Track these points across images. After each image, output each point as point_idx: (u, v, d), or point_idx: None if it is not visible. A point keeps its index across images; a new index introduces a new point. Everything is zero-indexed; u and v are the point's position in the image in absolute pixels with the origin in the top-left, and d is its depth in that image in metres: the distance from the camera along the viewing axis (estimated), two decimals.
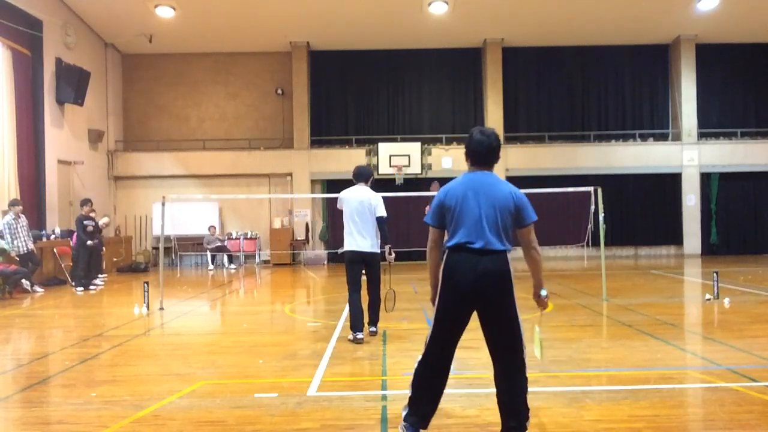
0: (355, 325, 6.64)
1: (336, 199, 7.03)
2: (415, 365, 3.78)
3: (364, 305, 6.82)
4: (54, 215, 15.47)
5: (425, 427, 3.75)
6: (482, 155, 3.79)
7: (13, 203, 12.34)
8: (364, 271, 6.86)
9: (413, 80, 19.83)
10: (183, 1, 16.41)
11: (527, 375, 3.66)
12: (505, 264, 3.63)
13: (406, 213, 16.89)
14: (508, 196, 3.67)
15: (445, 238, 3.78)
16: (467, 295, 3.60)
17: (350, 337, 6.68)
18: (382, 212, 6.77)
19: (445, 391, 4.15)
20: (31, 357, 6.48)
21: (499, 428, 3.87)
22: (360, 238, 6.69)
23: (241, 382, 5.23)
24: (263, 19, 17.49)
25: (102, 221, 14.11)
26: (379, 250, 6.81)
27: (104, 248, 13.87)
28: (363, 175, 6.93)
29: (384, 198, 6.95)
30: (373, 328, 6.93)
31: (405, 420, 3.74)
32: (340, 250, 6.92)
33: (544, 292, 3.80)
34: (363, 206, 6.71)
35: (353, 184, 6.94)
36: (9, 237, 11.95)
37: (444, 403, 4.16)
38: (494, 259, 3.60)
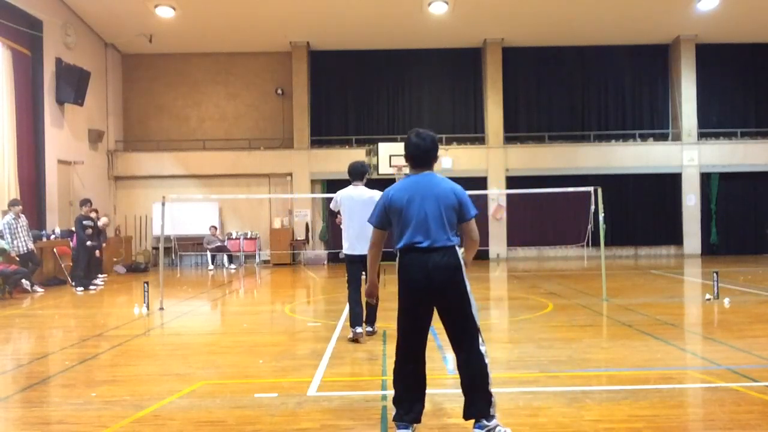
0: (355, 321, 6.66)
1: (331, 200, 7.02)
2: (394, 365, 3.89)
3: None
4: (54, 215, 15.46)
5: (417, 421, 3.80)
6: (420, 158, 3.97)
7: (13, 203, 12.33)
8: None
9: (413, 80, 19.83)
10: (183, 1, 16.40)
11: (487, 362, 3.77)
12: (454, 258, 3.80)
13: None
14: (449, 193, 3.86)
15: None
16: (421, 292, 3.78)
17: (350, 335, 6.68)
18: None
19: (445, 391, 4.17)
20: (31, 357, 6.47)
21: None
22: (357, 241, 6.71)
23: (241, 382, 5.22)
24: (263, 19, 17.49)
25: (101, 222, 14.10)
26: None
27: (99, 250, 13.52)
28: (360, 172, 6.86)
29: None
30: (369, 328, 6.93)
31: (395, 420, 3.80)
32: (342, 254, 6.94)
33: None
34: (366, 208, 6.65)
35: (350, 183, 6.91)
36: (9, 237, 11.95)
37: (444, 403, 4.17)
38: (442, 254, 3.77)
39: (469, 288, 3.84)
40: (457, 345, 3.84)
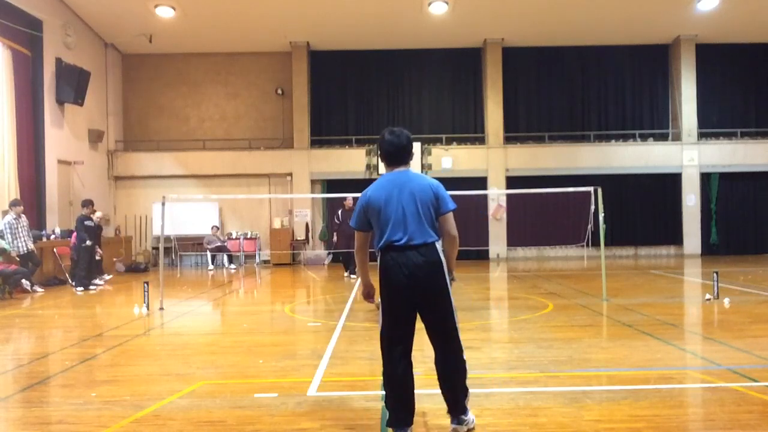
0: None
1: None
2: (382, 367, 3.88)
3: None
4: (54, 215, 15.47)
5: (410, 424, 3.80)
6: (394, 155, 3.94)
7: (14, 203, 12.36)
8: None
9: (413, 80, 19.83)
10: (183, 1, 16.41)
11: (464, 358, 3.86)
12: (435, 254, 3.77)
13: None
14: (427, 188, 3.83)
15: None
16: (403, 291, 3.75)
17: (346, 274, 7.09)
18: None
19: None
20: (31, 357, 6.47)
21: (498, 428, 3.98)
22: None
23: (241, 382, 5.23)
24: (263, 19, 17.49)
25: (96, 216, 14.14)
26: None
27: (99, 249, 13.74)
28: None
29: None
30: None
31: (389, 425, 3.81)
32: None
33: (450, 276, 3.92)
34: None
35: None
36: (9, 237, 11.96)
37: (443, 403, 4.16)
38: (423, 252, 3.74)
39: (449, 284, 3.83)
40: (437, 342, 3.86)
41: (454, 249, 3.89)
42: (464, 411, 3.87)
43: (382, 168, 15.56)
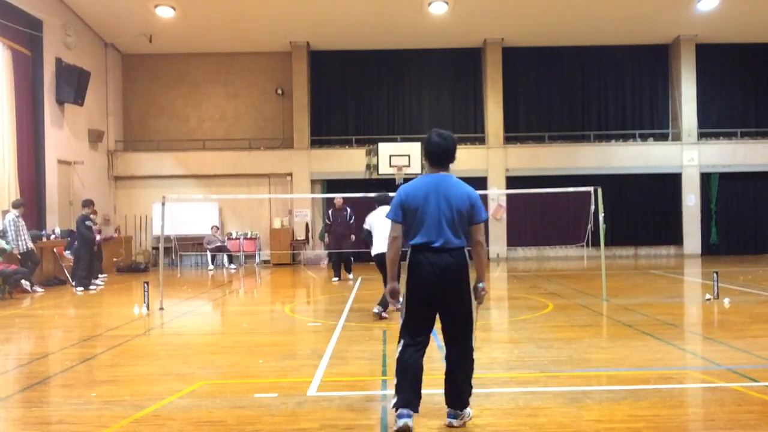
0: (383, 302, 7.95)
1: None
2: (396, 354, 4.02)
3: None
4: (54, 215, 15.46)
5: (416, 409, 3.93)
6: (439, 157, 4.07)
7: (20, 203, 12.42)
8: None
9: (413, 80, 19.82)
10: (183, 1, 16.41)
11: (474, 358, 4.08)
12: (463, 259, 3.96)
13: None
14: (465, 196, 3.99)
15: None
16: (430, 290, 3.92)
17: (375, 310, 8.07)
18: None
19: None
20: (31, 357, 6.47)
21: (498, 428, 4.00)
22: (378, 245, 8.15)
23: (241, 382, 5.23)
24: (263, 19, 17.49)
25: (96, 224, 14.24)
26: None
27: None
28: (386, 201, 8.25)
29: None
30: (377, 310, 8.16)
31: (395, 407, 3.91)
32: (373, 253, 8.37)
33: (481, 285, 4.07)
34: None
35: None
36: (13, 234, 11.96)
37: (443, 403, 4.17)
38: (453, 255, 3.93)
39: (472, 294, 4.01)
40: (454, 341, 4.02)
41: (482, 255, 4.05)
42: (462, 407, 4.00)
43: (382, 168, 15.79)
